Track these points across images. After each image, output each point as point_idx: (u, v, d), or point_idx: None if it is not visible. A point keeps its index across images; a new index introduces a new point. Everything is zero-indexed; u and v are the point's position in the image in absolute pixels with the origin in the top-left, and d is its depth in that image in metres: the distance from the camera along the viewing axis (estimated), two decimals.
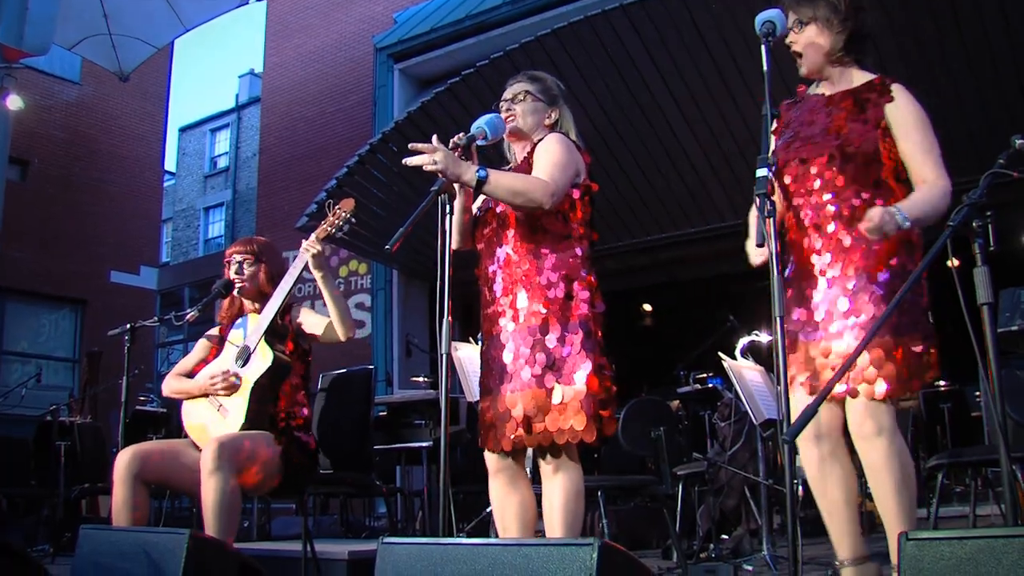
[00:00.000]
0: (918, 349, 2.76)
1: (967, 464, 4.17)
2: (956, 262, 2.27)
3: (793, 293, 2.96)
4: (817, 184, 2.90)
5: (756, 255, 3.00)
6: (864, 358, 2.70)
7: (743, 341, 5.50)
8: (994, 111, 7.97)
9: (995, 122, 7.85)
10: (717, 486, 5.63)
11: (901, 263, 2.82)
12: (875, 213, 2.63)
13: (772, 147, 2.97)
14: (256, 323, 3.94)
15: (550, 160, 3.02)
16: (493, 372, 3.06)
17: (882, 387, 2.70)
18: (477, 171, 2.86)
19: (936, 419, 8.19)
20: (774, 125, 3.03)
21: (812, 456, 2.89)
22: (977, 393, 7.44)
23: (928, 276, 2.21)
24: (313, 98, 14.01)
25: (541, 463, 2.99)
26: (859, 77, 2.98)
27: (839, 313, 2.82)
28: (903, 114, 2.86)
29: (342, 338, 3.91)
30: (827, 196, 2.88)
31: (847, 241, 2.85)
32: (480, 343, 3.21)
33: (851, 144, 2.85)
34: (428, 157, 2.83)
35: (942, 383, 9.07)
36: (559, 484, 2.94)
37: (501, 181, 2.92)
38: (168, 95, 17.91)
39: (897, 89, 2.89)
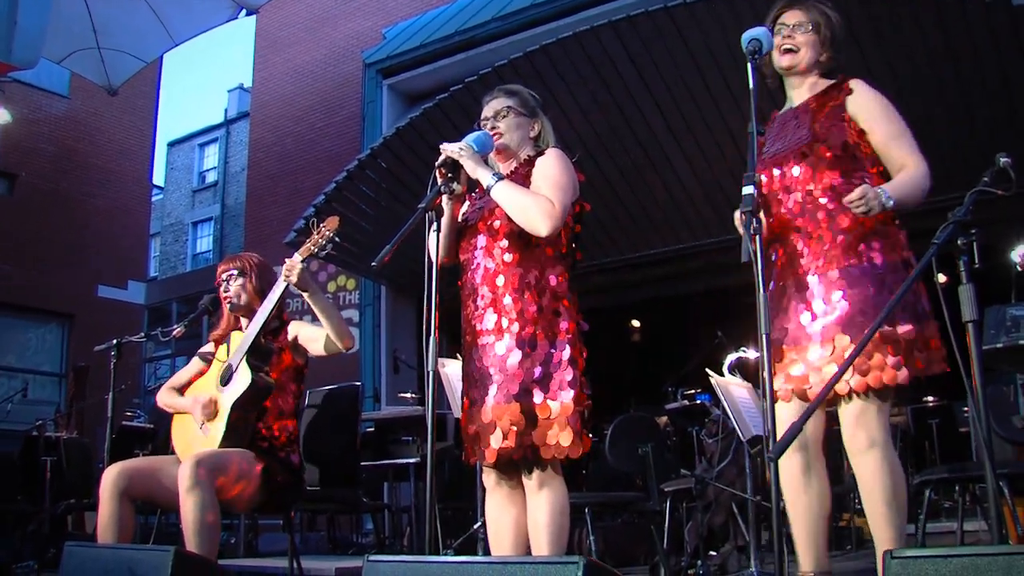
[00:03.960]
0: (904, 330, 2.72)
1: (953, 480, 4.17)
2: (944, 278, 2.28)
3: (775, 303, 2.95)
4: (793, 184, 2.92)
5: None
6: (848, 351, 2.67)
7: (731, 358, 5.50)
8: (980, 129, 8.01)
9: (981, 140, 7.88)
10: (705, 502, 5.62)
11: (872, 255, 2.82)
12: (859, 190, 2.68)
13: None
14: (239, 342, 3.92)
15: (554, 181, 3.03)
16: (477, 383, 3.05)
17: (877, 374, 2.70)
18: (493, 174, 3.00)
19: (925, 434, 8.20)
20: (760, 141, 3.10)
21: (794, 464, 2.88)
22: (965, 408, 7.44)
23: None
24: (302, 113, 13.99)
25: (525, 480, 2.99)
26: (823, 84, 3.04)
27: (820, 311, 2.83)
28: (864, 104, 2.92)
29: (343, 349, 3.89)
30: (800, 194, 2.91)
31: (826, 236, 2.86)
32: (463, 356, 3.19)
33: (821, 139, 2.89)
34: (456, 146, 2.99)
35: (931, 398, 9.10)
36: (544, 500, 2.93)
37: (512, 193, 2.98)
38: (157, 109, 17.90)
39: (855, 83, 2.96)
